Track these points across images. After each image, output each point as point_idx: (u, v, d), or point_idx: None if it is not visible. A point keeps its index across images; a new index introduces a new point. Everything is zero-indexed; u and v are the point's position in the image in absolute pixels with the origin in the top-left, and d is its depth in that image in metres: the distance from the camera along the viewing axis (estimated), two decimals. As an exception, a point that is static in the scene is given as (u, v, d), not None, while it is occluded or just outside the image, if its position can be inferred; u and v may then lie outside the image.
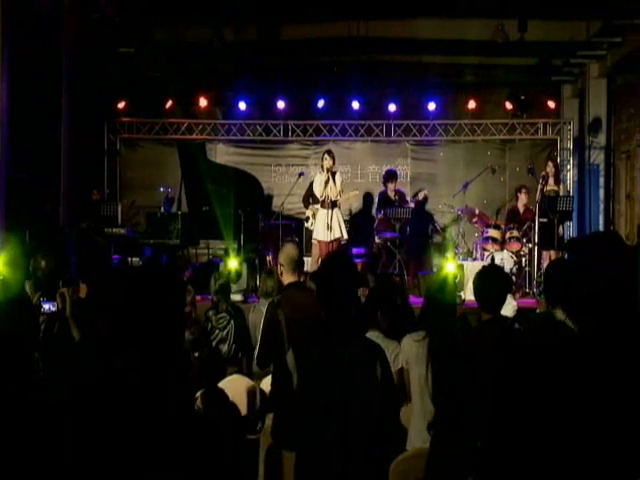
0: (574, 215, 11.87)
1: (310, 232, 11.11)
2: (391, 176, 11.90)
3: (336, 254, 4.70)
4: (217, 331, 6.64)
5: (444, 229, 12.66)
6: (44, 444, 2.34)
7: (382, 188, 12.04)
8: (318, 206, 10.72)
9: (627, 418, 2.17)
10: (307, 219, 11.15)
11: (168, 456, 2.17)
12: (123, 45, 12.56)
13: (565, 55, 12.96)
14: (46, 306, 3.99)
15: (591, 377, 2.21)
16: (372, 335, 4.44)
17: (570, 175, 13.18)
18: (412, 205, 11.70)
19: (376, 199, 12.28)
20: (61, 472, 2.26)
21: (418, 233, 12.15)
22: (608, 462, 2.16)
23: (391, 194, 11.75)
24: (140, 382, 2.22)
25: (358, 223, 12.48)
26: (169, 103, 13.24)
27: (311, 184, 11.25)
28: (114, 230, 10.91)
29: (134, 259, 10.66)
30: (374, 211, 12.41)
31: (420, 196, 11.90)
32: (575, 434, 2.20)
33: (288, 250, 4.82)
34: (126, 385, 2.22)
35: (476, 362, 3.13)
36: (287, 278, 4.76)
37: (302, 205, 11.57)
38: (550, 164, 11.29)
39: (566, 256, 10.16)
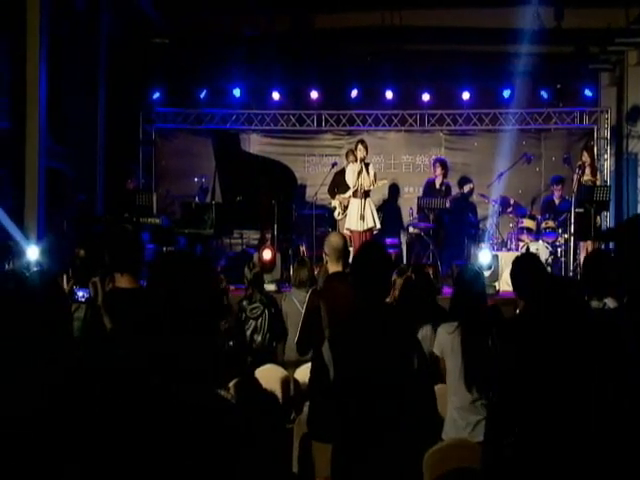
0: (611, 205, 11.69)
1: (338, 222, 11.10)
2: (438, 162, 11.91)
3: (370, 243, 4.69)
4: (251, 321, 6.68)
5: (481, 220, 12.59)
6: (81, 426, 2.37)
7: (416, 177, 12.02)
8: (345, 195, 10.70)
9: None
10: (334, 209, 11.14)
11: (199, 444, 2.18)
12: (158, 36, 12.65)
13: (603, 43, 12.73)
14: (80, 293, 4.04)
15: None
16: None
17: (607, 164, 12.98)
18: (458, 196, 11.72)
19: (422, 189, 12.23)
20: (93, 459, 2.29)
21: (457, 223, 12.09)
22: None
23: (438, 182, 11.73)
24: (172, 371, 2.23)
25: (390, 213, 12.45)
26: (203, 93, 13.31)
27: (336, 174, 11.24)
28: (149, 220, 10.96)
29: (169, 248, 10.76)
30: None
31: (465, 189, 11.83)
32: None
33: (332, 240, 4.79)
34: (156, 374, 2.23)
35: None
36: (331, 268, 4.76)
37: (331, 195, 11.58)
38: (586, 154, 11.11)
39: (603, 246, 10.07)
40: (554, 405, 2.81)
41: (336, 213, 11.02)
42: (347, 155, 11.14)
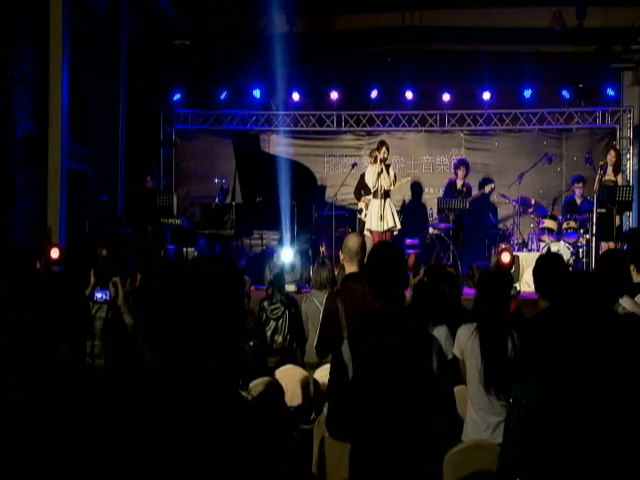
0: (634, 205, 11.58)
1: (364, 223, 11.10)
2: (461, 164, 11.85)
3: (383, 243, 4.68)
4: (272, 322, 6.68)
5: (501, 220, 12.52)
6: (96, 424, 2.38)
7: (436, 177, 11.96)
8: (370, 197, 10.70)
9: None
10: (360, 211, 11.14)
11: (219, 445, 2.18)
12: (179, 37, 12.72)
13: (626, 41, 12.62)
14: (99, 295, 4.05)
15: None
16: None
17: (630, 164, 12.85)
18: (478, 197, 11.68)
19: (443, 190, 12.17)
20: (112, 460, 2.30)
21: (477, 224, 12.03)
22: None
23: (459, 182, 11.69)
24: (195, 371, 2.24)
25: (410, 213, 12.42)
26: (223, 94, 13.36)
27: (362, 176, 11.23)
28: (170, 221, 11.01)
29: (189, 249, 10.81)
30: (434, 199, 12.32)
31: (487, 189, 11.77)
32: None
33: (348, 240, 4.78)
34: (177, 374, 2.23)
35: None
36: (347, 268, 4.74)
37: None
38: (612, 153, 10.98)
39: (625, 247, 9.97)
40: (580, 403, 2.78)
41: (363, 215, 11.02)
42: (371, 154, 11.15)
